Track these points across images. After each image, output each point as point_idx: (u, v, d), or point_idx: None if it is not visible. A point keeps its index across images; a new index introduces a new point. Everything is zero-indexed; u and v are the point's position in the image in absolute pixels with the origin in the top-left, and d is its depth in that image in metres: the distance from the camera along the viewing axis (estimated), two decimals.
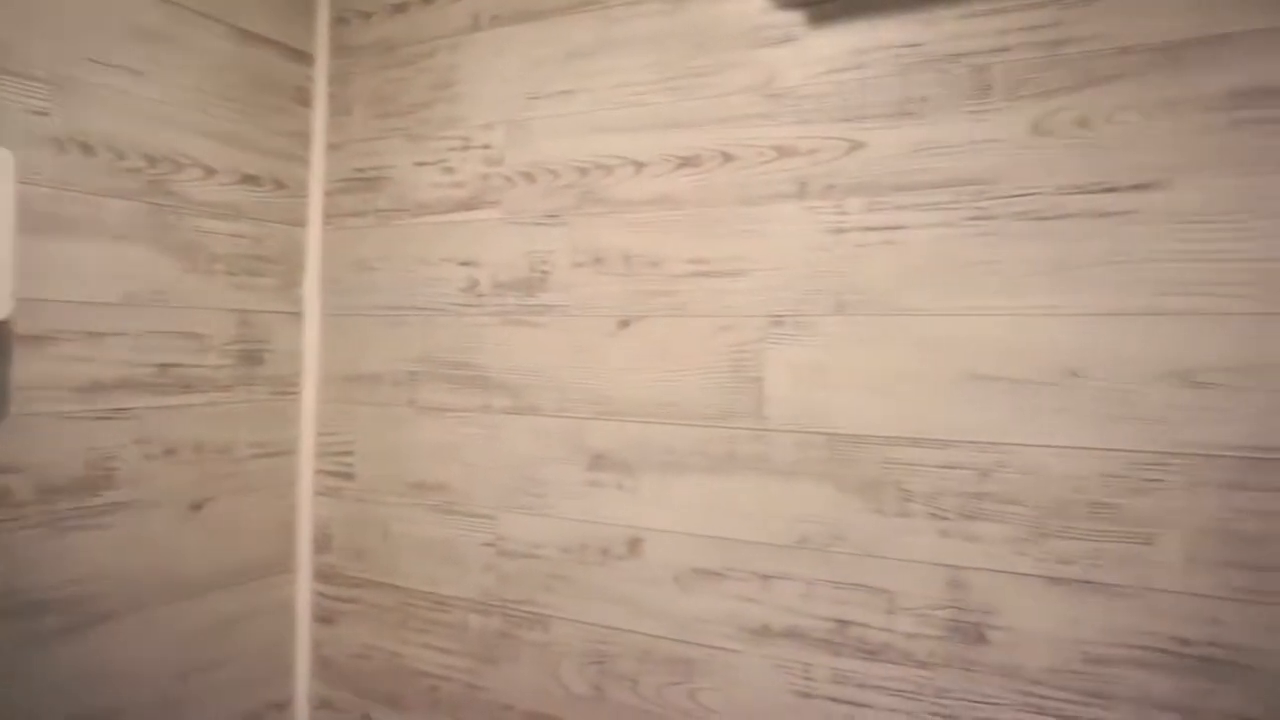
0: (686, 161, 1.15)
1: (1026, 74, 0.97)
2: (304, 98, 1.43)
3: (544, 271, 1.24)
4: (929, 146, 1.01)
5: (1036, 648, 0.95)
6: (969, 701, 0.98)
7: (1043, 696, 0.94)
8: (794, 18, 1.08)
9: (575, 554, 1.21)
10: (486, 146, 1.30)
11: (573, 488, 1.21)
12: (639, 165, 1.18)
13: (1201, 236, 0.89)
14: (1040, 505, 0.95)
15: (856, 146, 1.05)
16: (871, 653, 1.02)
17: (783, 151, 1.09)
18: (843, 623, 1.04)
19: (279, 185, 1.40)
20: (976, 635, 0.98)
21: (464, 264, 1.31)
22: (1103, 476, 0.92)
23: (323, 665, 1.42)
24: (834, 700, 1.04)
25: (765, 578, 1.08)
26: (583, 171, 1.22)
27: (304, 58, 1.43)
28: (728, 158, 1.12)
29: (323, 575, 1.42)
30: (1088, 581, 0.93)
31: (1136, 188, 0.92)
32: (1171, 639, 0.89)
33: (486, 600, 1.27)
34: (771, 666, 1.08)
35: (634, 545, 1.17)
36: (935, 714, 0.99)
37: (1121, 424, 0.92)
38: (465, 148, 1.32)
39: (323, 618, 1.42)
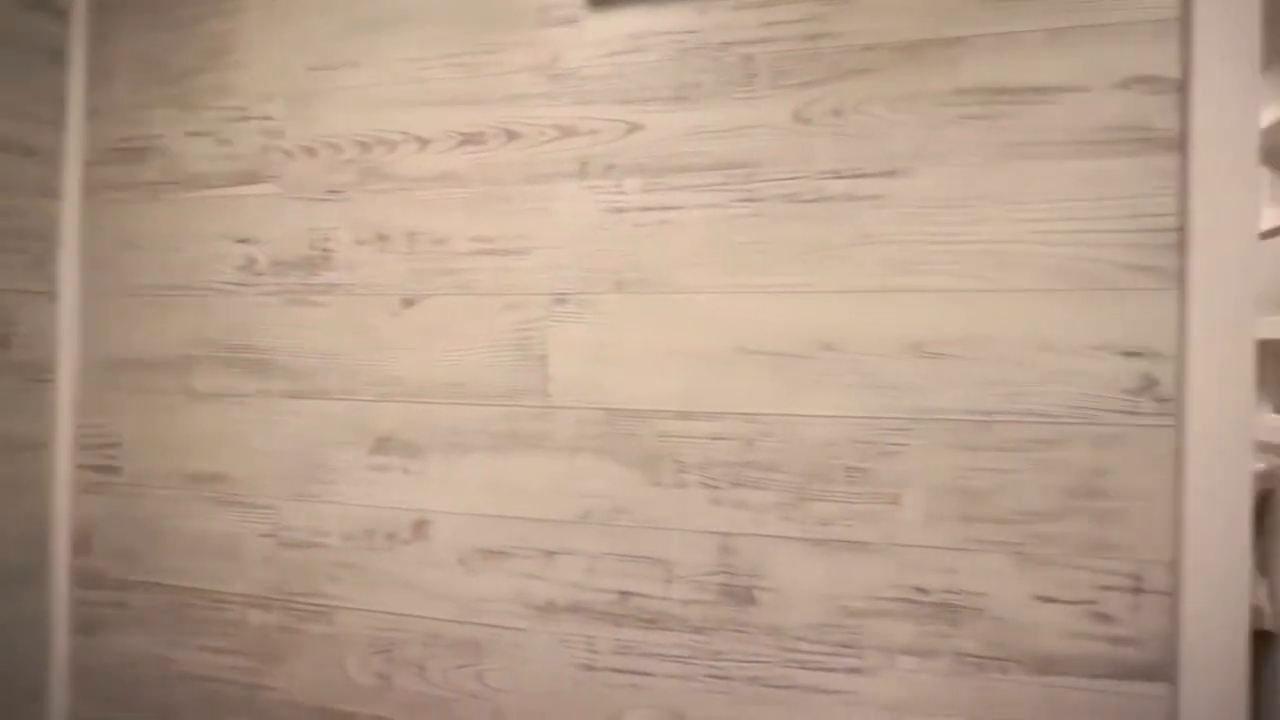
0: (471, 139, 1.13)
1: (788, 64, 1.02)
2: (57, 57, 1.30)
3: (326, 249, 1.19)
4: (702, 130, 1.05)
5: (799, 606, 1.00)
6: (740, 662, 1.02)
7: (805, 651, 1.00)
8: None
9: (360, 540, 1.17)
10: (266, 118, 1.23)
11: (357, 472, 1.17)
12: (423, 141, 1.15)
13: (935, 220, 0.97)
14: (800, 471, 1.00)
15: (635, 128, 1.07)
16: (651, 621, 1.05)
17: (565, 131, 1.10)
18: (624, 594, 1.06)
19: (27, 152, 1.26)
20: (746, 598, 1.02)
21: (241, 241, 1.24)
22: (854, 442, 0.99)
23: (82, 680, 1.30)
24: (616, 671, 1.06)
25: (549, 554, 1.09)
26: (366, 147, 1.18)
27: (56, 12, 1.30)
28: (511, 136, 1.12)
29: (82, 580, 1.30)
30: (843, 541, 0.99)
31: (883, 174, 0.99)
32: (913, 589, 0.97)
33: (267, 594, 1.21)
34: (556, 642, 1.08)
35: (419, 528, 1.14)
36: (710, 676, 1.03)
37: (869, 393, 0.99)
38: (243, 119, 1.24)
39: (82, 627, 1.30)
